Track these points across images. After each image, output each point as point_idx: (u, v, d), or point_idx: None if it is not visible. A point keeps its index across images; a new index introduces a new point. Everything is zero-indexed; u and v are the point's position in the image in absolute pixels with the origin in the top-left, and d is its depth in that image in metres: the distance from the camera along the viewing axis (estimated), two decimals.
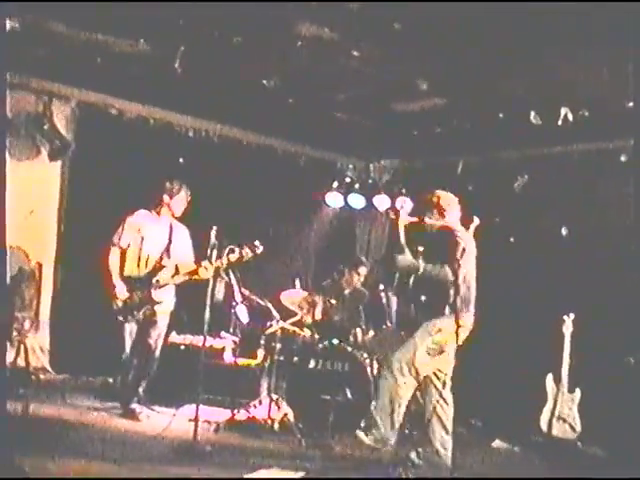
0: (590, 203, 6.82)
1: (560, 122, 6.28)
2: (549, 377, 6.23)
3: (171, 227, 6.31)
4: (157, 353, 6.28)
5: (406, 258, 4.87)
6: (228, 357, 6.94)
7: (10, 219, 6.58)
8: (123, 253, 6.19)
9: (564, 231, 7.10)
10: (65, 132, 7.24)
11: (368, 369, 6.12)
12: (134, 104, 7.52)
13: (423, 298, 4.84)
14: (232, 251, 5.68)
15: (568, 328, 6.22)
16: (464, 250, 4.77)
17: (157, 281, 6.10)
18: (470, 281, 4.99)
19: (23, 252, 7.01)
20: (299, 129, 7.86)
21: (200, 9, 5.12)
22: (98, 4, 5.11)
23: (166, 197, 6.27)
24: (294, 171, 8.36)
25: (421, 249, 4.88)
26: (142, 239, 6.21)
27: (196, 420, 5.20)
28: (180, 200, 6.30)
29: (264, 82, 6.47)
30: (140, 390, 6.23)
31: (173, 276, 6.17)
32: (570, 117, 6.24)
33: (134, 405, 6.18)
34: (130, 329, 6.19)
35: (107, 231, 6.47)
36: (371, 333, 6.67)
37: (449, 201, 5.08)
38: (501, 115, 6.67)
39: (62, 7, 5.27)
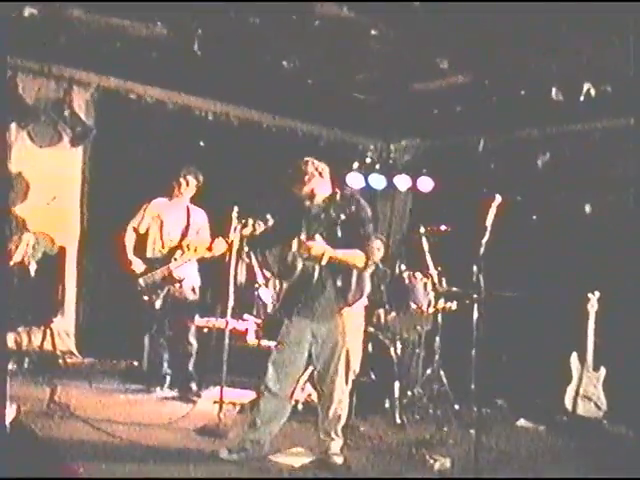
0: (613, 179, 6.68)
1: (582, 98, 6.18)
2: (574, 356, 6.15)
3: (188, 210, 6.58)
4: (192, 328, 6.43)
5: (317, 246, 4.35)
6: (251, 339, 6.96)
7: (34, 205, 6.98)
8: (141, 237, 6.51)
9: (587, 208, 7.03)
10: (85, 117, 7.28)
11: (391, 350, 6.08)
12: (153, 88, 7.53)
13: (339, 284, 4.43)
14: (245, 225, 5.68)
15: (593, 306, 6.13)
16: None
17: (175, 259, 6.33)
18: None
19: (47, 237, 7.07)
20: (319, 110, 7.79)
21: None
22: None
23: (177, 183, 6.51)
24: (314, 153, 8.14)
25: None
26: (161, 223, 6.51)
27: (221, 402, 5.27)
28: (190, 185, 6.53)
29: (283, 63, 6.45)
30: (190, 367, 6.35)
31: (191, 254, 6.34)
32: (592, 93, 6.14)
33: (191, 385, 6.31)
34: (158, 307, 6.37)
35: (129, 214, 6.61)
36: (393, 313, 6.54)
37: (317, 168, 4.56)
38: (522, 92, 6.59)
39: None
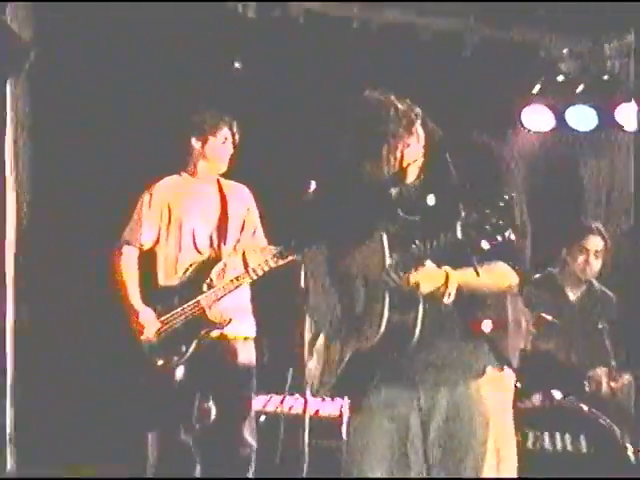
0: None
1: None
2: None
3: (220, 190, 4.70)
4: (249, 415, 4.55)
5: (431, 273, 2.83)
6: None
7: None
8: (146, 254, 4.65)
9: None
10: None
11: None
12: None
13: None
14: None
15: None
16: None
17: (209, 285, 4.55)
18: None
19: None
20: None
21: None
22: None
23: (196, 142, 4.58)
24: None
25: None
26: (177, 223, 4.63)
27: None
28: (221, 142, 4.62)
29: None
30: None
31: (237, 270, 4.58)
32: None
33: None
34: (181, 378, 4.49)
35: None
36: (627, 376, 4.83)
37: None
38: None
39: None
